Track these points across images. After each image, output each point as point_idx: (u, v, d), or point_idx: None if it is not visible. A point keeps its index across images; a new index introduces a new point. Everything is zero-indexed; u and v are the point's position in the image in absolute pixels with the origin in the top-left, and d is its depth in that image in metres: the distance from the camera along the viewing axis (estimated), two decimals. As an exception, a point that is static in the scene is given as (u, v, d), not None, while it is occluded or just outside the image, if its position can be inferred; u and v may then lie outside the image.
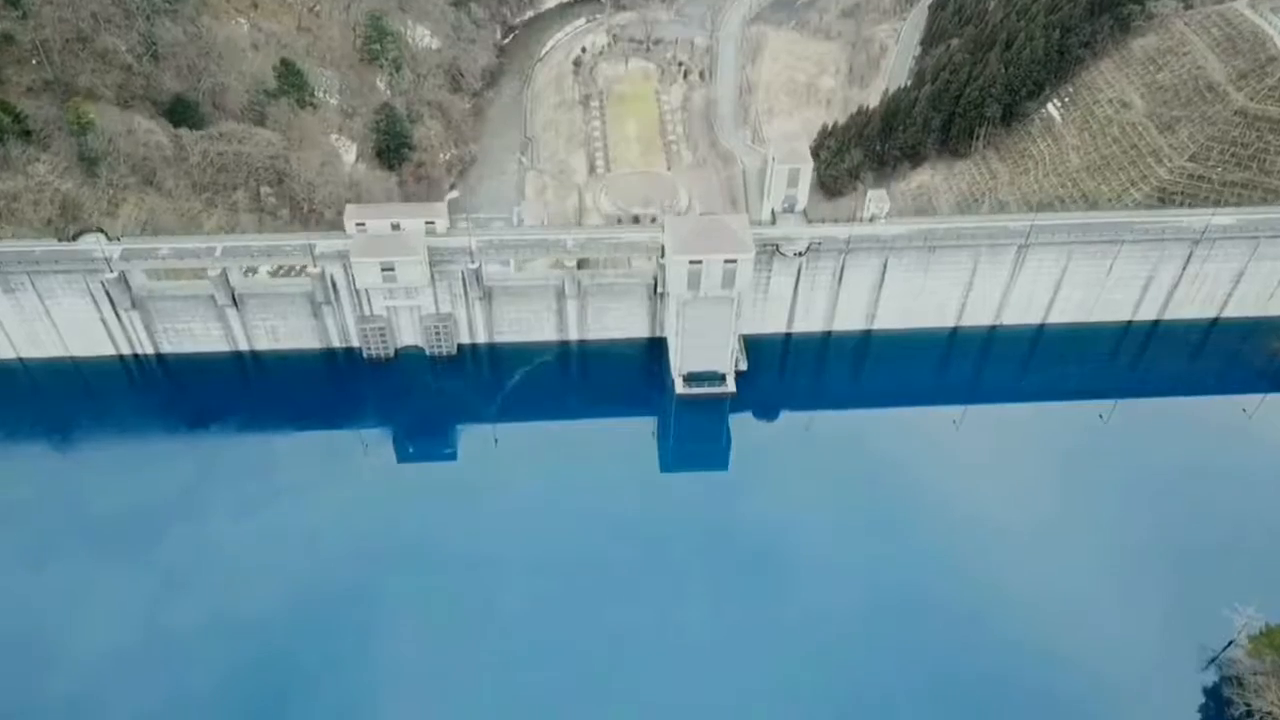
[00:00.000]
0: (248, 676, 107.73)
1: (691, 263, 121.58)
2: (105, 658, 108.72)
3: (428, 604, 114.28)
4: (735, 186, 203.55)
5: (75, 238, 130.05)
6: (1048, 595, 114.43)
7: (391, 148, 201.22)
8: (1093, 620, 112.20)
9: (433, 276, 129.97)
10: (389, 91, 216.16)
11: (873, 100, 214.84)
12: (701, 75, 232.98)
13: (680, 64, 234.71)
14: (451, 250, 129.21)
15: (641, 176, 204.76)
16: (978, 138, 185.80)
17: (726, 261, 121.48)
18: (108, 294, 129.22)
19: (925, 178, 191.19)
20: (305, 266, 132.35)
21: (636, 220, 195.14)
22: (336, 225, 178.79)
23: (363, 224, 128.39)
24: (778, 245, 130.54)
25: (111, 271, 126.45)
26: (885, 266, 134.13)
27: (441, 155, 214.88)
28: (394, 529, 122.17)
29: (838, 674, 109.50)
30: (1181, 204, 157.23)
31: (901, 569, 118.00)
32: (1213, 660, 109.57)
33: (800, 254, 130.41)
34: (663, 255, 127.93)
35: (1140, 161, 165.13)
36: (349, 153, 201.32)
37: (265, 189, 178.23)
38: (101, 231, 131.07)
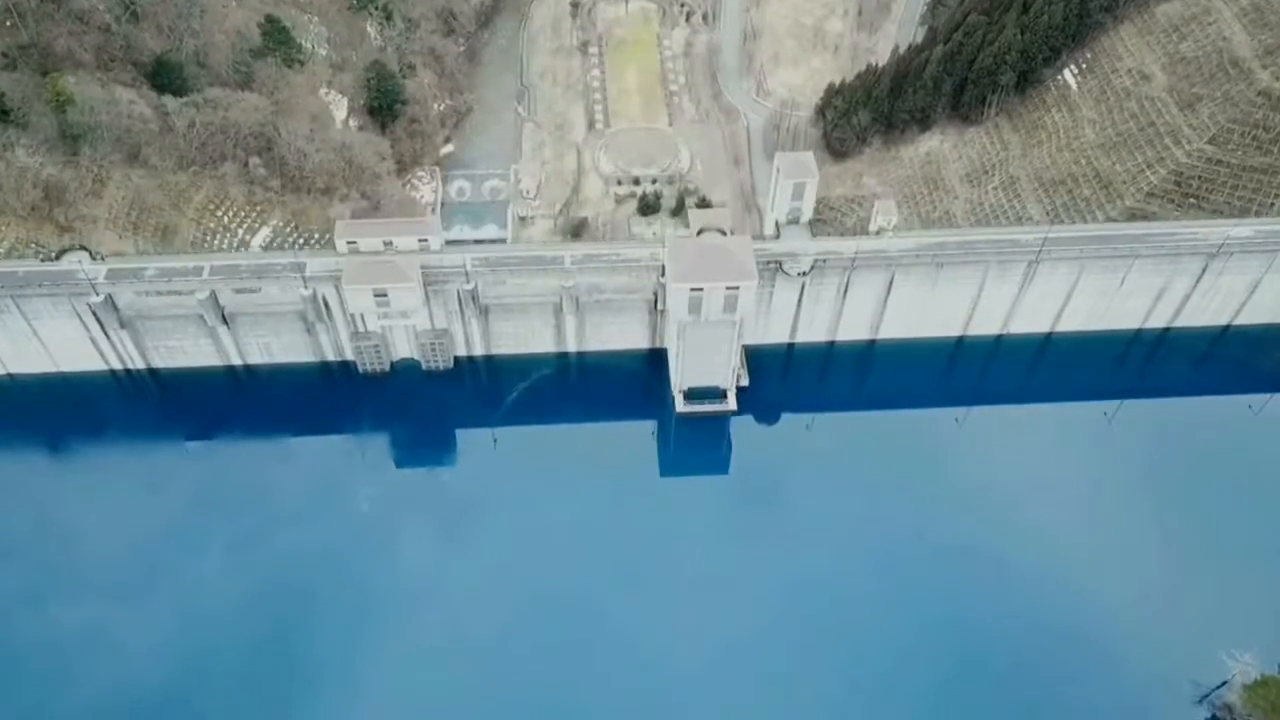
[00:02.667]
0: (247, 683, 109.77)
1: (693, 290, 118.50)
2: (102, 667, 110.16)
3: (427, 613, 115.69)
4: (739, 144, 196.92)
5: (58, 256, 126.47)
6: (1051, 608, 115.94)
7: (384, 105, 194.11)
8: (1090, 635, 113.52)
9: (427, 295, 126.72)
10: (380, 40, 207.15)
11: (882, 47, 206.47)
12: (705, 17, 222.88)
13: (683, 4, 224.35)
14: (446, 270, 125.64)
15: (642, 134, 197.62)
16: (990, 104, 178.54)
17: (728, 289, 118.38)
18: (95, 315, 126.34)
19: (935, 143, 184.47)
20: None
21: (637, 182, 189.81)
22: (329, 191, 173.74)
23: (354, 242, 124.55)
24: (781, 263, 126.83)
25: (97, 295, 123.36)
26: (891, 282, 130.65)
27: (435, 106, 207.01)
28: (391, 541, 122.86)
29: (840, 677, 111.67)
30: (1198, 189, 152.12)
31: (904, 580, 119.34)
32: (1205, 698, 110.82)
33: (804, 273, 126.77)
34: (663, 275, 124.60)
35: (1158, 141, 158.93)
36: (340, 109, 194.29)
37: (254, 159, 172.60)
38: (84, 249, 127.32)
